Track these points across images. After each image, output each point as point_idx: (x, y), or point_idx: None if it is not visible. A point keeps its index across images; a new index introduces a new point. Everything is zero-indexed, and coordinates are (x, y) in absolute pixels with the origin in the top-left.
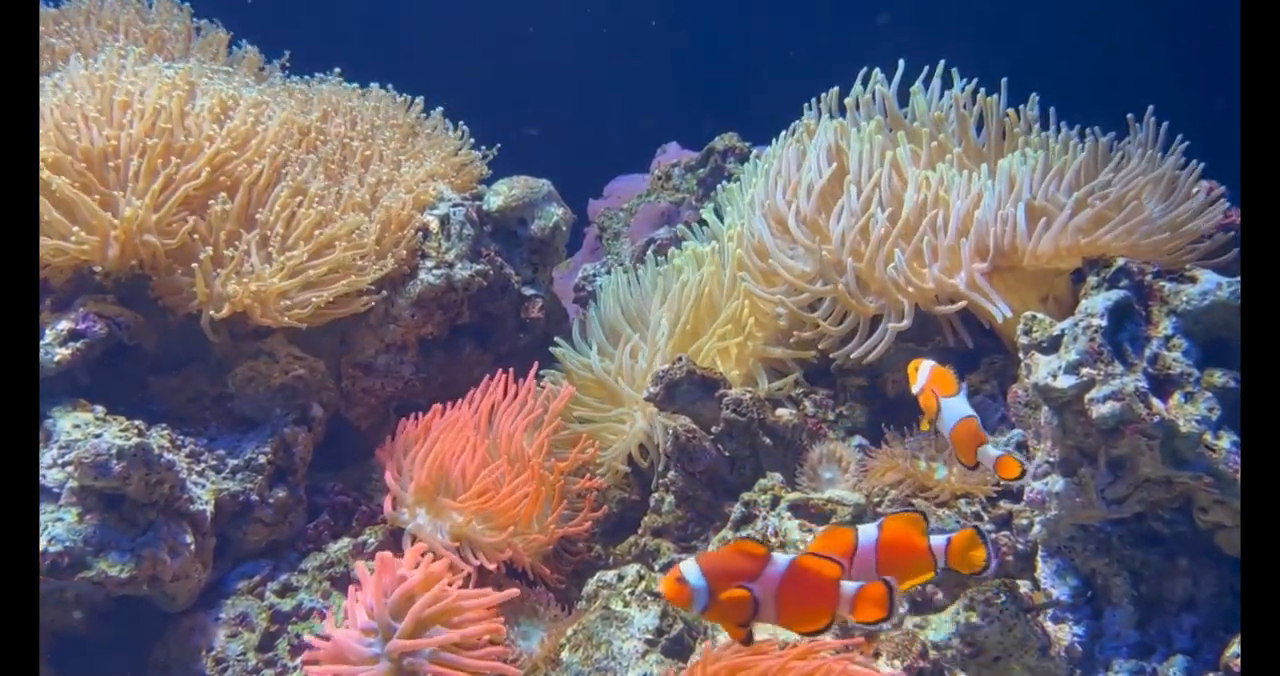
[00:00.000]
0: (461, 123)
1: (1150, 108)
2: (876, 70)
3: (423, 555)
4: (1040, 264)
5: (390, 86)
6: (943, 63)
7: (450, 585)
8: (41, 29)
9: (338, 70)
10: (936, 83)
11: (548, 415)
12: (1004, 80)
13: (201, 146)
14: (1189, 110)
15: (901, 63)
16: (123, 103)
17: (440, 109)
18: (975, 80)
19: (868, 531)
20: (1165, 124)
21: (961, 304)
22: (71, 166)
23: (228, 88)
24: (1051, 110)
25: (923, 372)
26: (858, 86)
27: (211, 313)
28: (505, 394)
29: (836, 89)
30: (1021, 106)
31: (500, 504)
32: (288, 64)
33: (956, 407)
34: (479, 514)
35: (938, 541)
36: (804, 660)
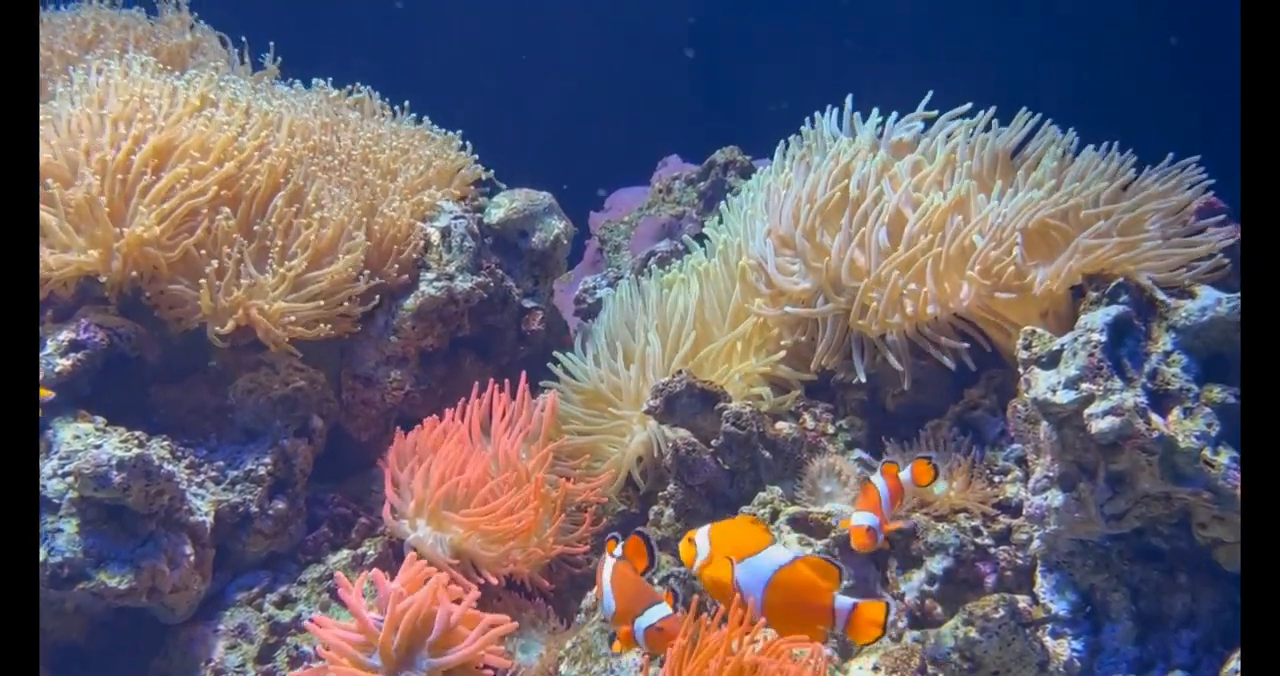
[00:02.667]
0: (458, 131)
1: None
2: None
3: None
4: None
5: (408, 106)
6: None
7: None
8: (54, 38)
9: (320, 81)
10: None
11: (542, 427)
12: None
13: (213, 166)
14: (1177, 124)
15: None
16: (142, 117)
17: (462, 135)
18: (989, 111)
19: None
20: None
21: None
22: (80, 179)
23: (238, 95)
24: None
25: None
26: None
27: (217, 328)
28: (502, 404)
29: (844, 104)
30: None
31: (501, 523)
32: (284, 69)
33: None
34: (478, 531)
35: (843, 604)
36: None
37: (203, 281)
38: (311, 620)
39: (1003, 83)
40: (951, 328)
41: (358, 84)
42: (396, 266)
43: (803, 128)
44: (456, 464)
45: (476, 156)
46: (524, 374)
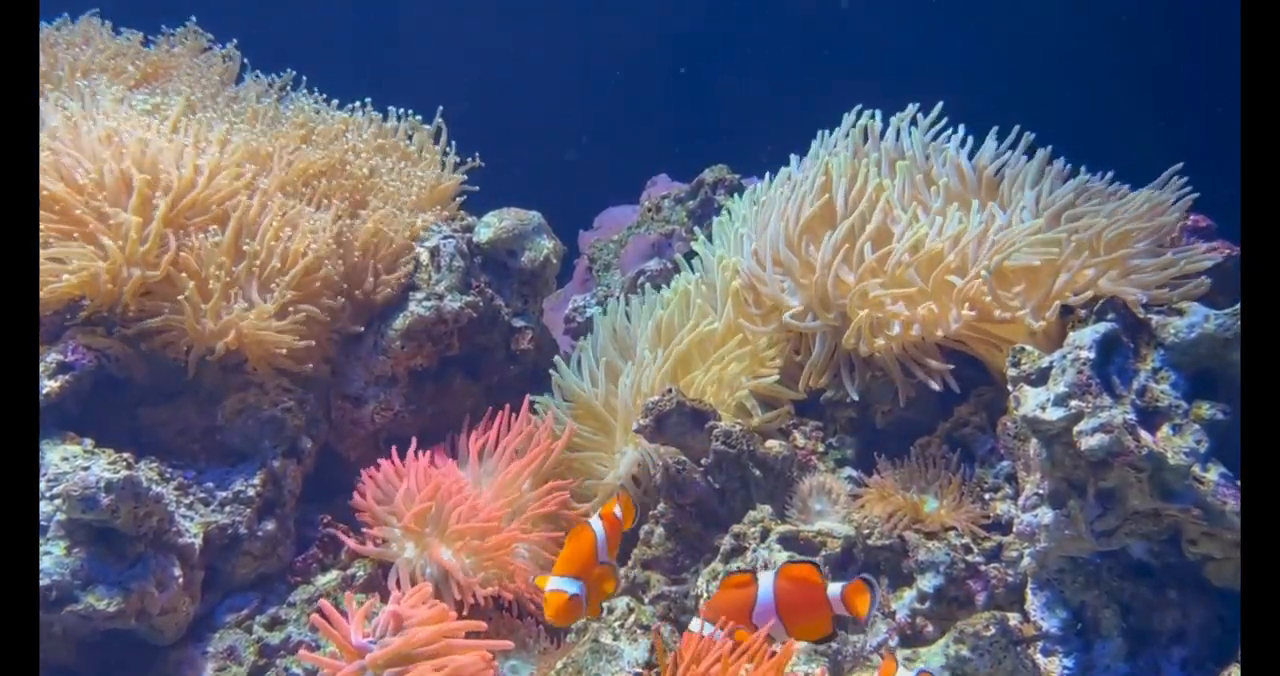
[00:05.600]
0: (450, 146)
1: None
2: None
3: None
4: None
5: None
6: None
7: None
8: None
9: (313, 98)
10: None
11: (547, 461)
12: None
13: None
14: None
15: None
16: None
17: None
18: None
19: (765, 583)
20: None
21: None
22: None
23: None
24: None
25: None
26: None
27: (208, 357)
28: (495, 436)
29: (846, 126)
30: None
31: (490, 548)
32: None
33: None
34: (468, 550)
35: (834, 590)
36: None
37: (184, 297)
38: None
39: (988, 100)
40: (938, 346)
41: (363, 106)
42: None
43: (791, 144)
44: (447, 489)
45: (465, 171)
46: (525, 401)
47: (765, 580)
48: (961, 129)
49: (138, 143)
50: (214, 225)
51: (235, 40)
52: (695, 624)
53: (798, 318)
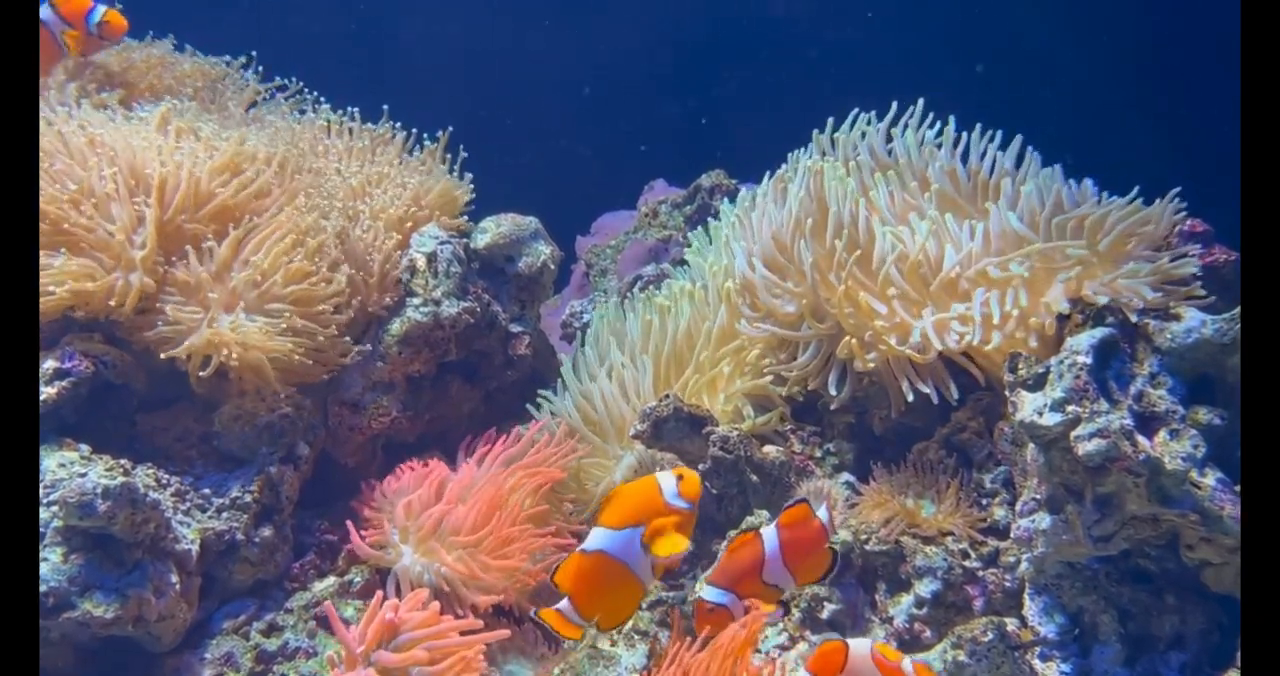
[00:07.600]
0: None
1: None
2: (861, 112)
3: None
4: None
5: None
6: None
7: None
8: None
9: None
10: (919, 125)
11: (543, 473)
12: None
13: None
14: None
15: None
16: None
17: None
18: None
19: (769, 537)
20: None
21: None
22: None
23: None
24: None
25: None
26: (845, 126)
27: (201, 373)
28: (500, 447)
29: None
30: (999, 152)
31: (492, 556)
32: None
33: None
34: (469, 556)
35: (823, 514)
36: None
37: (173, 310)
38: None
39: (986, 103)
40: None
41: (351, 110)
42: (380, 293)
43: (787, 149)
44: (448, 498)
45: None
46: (535, 424)
47: (769, 534)
48: (956, 132)
49: (131, 151)
50: (212, 231)
51: (245, 56)
52: (709, 592)
53: (792, 324)
